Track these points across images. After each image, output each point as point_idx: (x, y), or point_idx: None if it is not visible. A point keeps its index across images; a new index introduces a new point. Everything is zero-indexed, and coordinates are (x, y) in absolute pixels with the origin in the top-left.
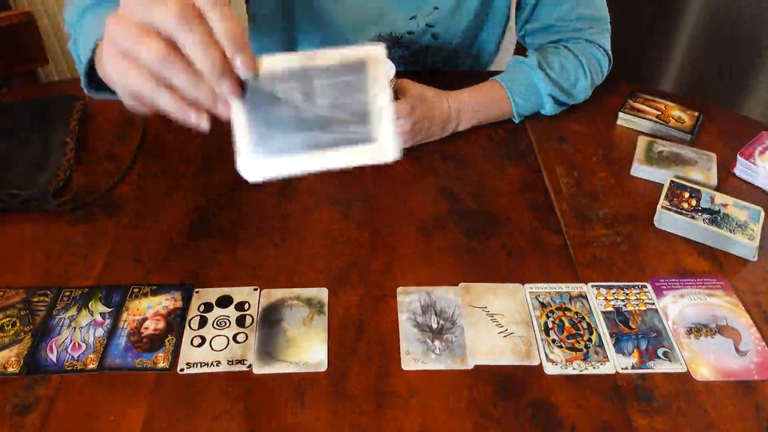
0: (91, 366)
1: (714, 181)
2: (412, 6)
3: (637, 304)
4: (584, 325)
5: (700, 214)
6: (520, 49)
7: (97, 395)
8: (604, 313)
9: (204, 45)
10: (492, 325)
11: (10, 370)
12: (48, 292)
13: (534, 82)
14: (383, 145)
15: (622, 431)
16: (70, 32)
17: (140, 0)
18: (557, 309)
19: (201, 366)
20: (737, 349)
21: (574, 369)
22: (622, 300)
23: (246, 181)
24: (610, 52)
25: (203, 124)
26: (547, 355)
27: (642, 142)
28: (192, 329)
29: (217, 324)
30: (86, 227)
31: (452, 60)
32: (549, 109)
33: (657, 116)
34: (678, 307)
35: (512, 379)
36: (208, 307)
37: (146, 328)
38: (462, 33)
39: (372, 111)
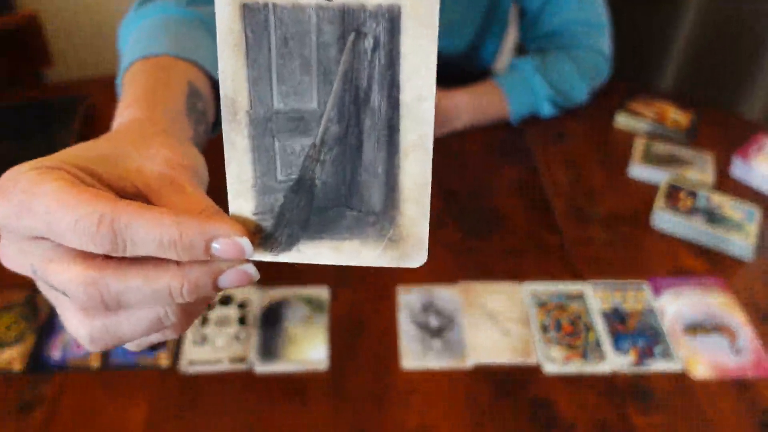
0: (94, 364)
1: (710, 182)
2: None
3: (635, 303)
4: (582, 324)
5: (696, 214)
6: (520, 51)
7: (100, 393)
8: (601, 312)
9: (147, 282)
10: (491, 323)
11: (15, 368)
12: None
13: (532, 86)
14: (410, 243)
15: (620, 429)
16: (120, 31)
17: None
18: (555, 308)
19: (202, 364)
20: (733, 348)
21: (572, 368)
22: (620, 299)
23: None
24: (610, 57)
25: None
26: (545, 354)
27: (639, 143)
28: (193, 328)
29: (218, 323)
30: None
31: (454, 70)
32: (547, 111)
33: (654, 117)
34: (675, 306)
35: (511, 378)
36: (210, 305)
37: None
38: (466, 47)
39: (401, 164)
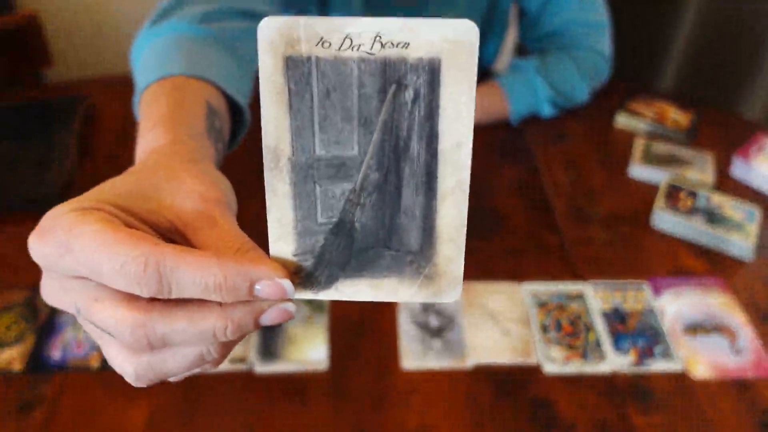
0: (94, 364)
1: (710, 182)
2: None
3: (635, 303)
4: (582, 324)
5: (696, 214)
6: (520, 51)
7: (100, 393)
8: (601, 312)
9: (192, 324)
10: (491, 324)
11: (15, 368)
12: None
13: (533, 86)
14: (445, 279)
15: (620, 429)
16: (134, 49)
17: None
18: (555, 308)
19: None
20: (733, 348)
21: (572, 368)
22: (620, 299)
23: (245, 184)
24: (610, 57)
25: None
26: (545, 354)
27: (639, 143)
28: None
29: None
30: None
31: None
32: (547, 112)
33: (654, 117)
34: (675, 306)
35: (511, 378)
36: None
37: None
38: None
39: (439, 201)
